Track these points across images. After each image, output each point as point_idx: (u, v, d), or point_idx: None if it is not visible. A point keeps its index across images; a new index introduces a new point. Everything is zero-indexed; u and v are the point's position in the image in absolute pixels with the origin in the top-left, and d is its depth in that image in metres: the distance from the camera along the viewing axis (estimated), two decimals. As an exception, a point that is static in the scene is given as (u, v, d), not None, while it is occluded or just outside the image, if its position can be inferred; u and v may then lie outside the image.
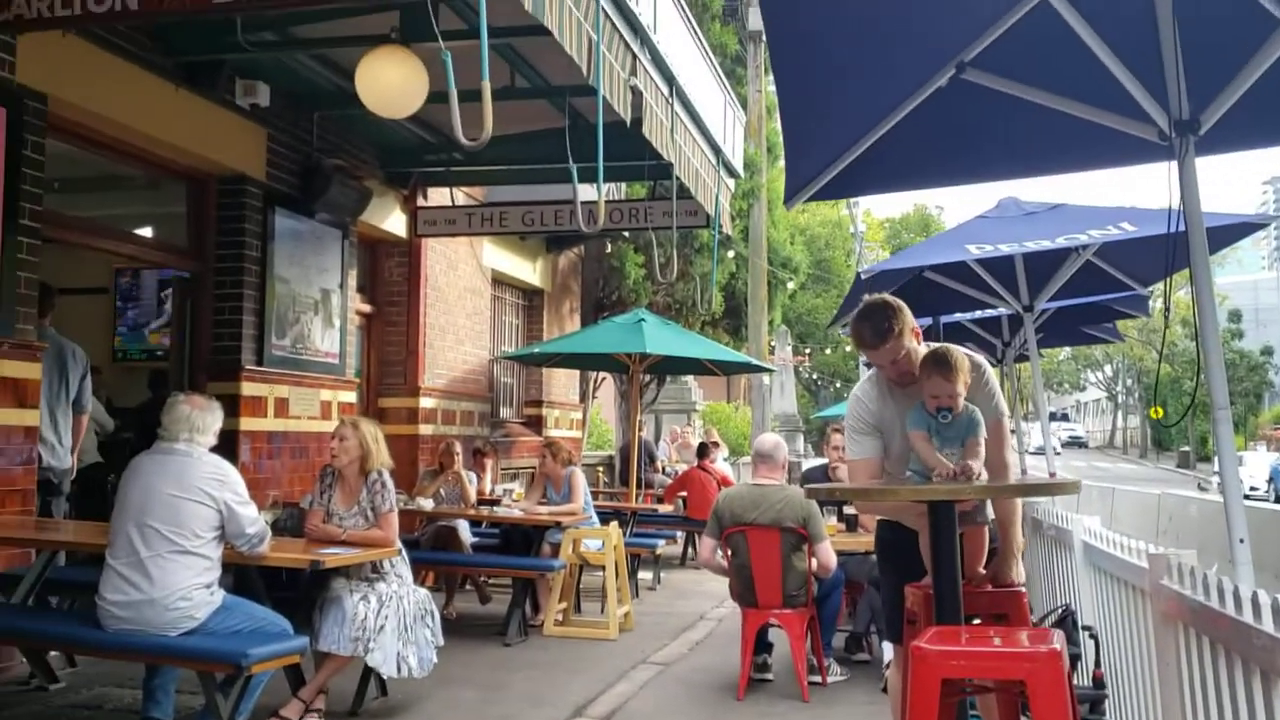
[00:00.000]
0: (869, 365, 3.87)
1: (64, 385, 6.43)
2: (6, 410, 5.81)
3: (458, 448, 8.72)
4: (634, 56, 6.08)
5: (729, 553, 6.08)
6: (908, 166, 4.33)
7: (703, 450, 12.42)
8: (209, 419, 4.67)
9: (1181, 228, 3.21)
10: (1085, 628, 4.65)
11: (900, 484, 3.56)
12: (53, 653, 5.69)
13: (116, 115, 6.77)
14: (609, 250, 14.92)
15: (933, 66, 3.66)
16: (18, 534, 5.47)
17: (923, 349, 3.65)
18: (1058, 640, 2.92)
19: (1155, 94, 3.25)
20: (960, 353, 3.62)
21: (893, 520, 3.98)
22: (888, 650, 5.47)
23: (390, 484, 5.42)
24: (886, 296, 3.70)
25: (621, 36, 5.84)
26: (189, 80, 7.22)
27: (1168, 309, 3.84)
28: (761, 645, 6.38)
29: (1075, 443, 61.74)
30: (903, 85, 3.74)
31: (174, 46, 7.00)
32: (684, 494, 11.94)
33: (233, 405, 7.64)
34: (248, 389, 7.97)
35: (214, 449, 4.72)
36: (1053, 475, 6.71)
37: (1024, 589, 3.77)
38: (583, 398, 15.87)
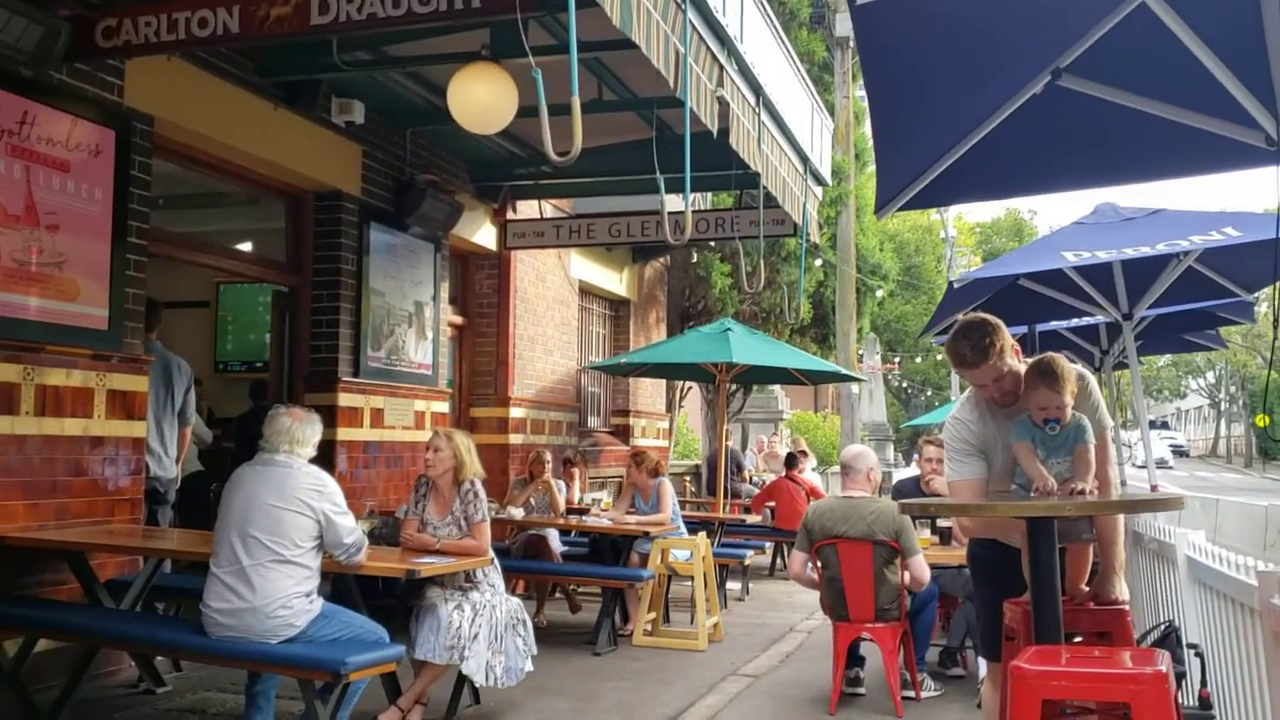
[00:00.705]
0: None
1: (169, 398, 6.64)
2: (116, 422, 6.02)
3: (548, 457, 8.79)
4: (721, 68, 6.08)
5: (819, 565, 6.02)
6: (1001, 175, 4.25)
7: (791, 460, 12.33)
8: (309, 431, 4.78)
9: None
10: (1190, 645, 4.51)
11: (1002, 500, 3.49)
12: (159, 657, 5.87)
13: (218, 135, 6.98)
14: (695, 259, 14.93)
15: (1028, 73, 3.59)
16: (127, 542, 5.66)
17: (1022, 366, 3.59)
18: (1163, 662, 2.84)
19: (1262, 99, 3.15)
20: (1066, 362, 3.56)
21: (978, 536, 3.91)
22: (983, 666, 5.37)
23: (483, 494, 5.49)
24: (983, 314, 3.65)
25: (709, 48, 5.84)
26: (287, 100, 7.42)
27: (1277, 317, 3.71)
28: (853, 659, 6.30)
29: (1177, 452, 59.12)
30: (996, 93, 3.68)
31: (273, 67, 7.20)
32: (772, 504, 11.85)
33: (330, 416, 7.79)
34: (344, 400, 8.15)
35: (313, 459, 4.83)
36: (1154, 488, 6.52)
37: (1127, 607, 3.67)
38: (669, 407, 15.88)
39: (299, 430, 4.74)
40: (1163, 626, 4.72)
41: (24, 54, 5.34)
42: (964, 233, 54.63)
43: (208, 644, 4.58)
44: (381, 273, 8.55)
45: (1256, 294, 7.17)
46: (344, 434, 8.13)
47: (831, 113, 14.61)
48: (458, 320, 10.62)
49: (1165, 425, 67.19)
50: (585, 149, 4.53)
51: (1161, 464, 40.67)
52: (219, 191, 8.45)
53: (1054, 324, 8.57)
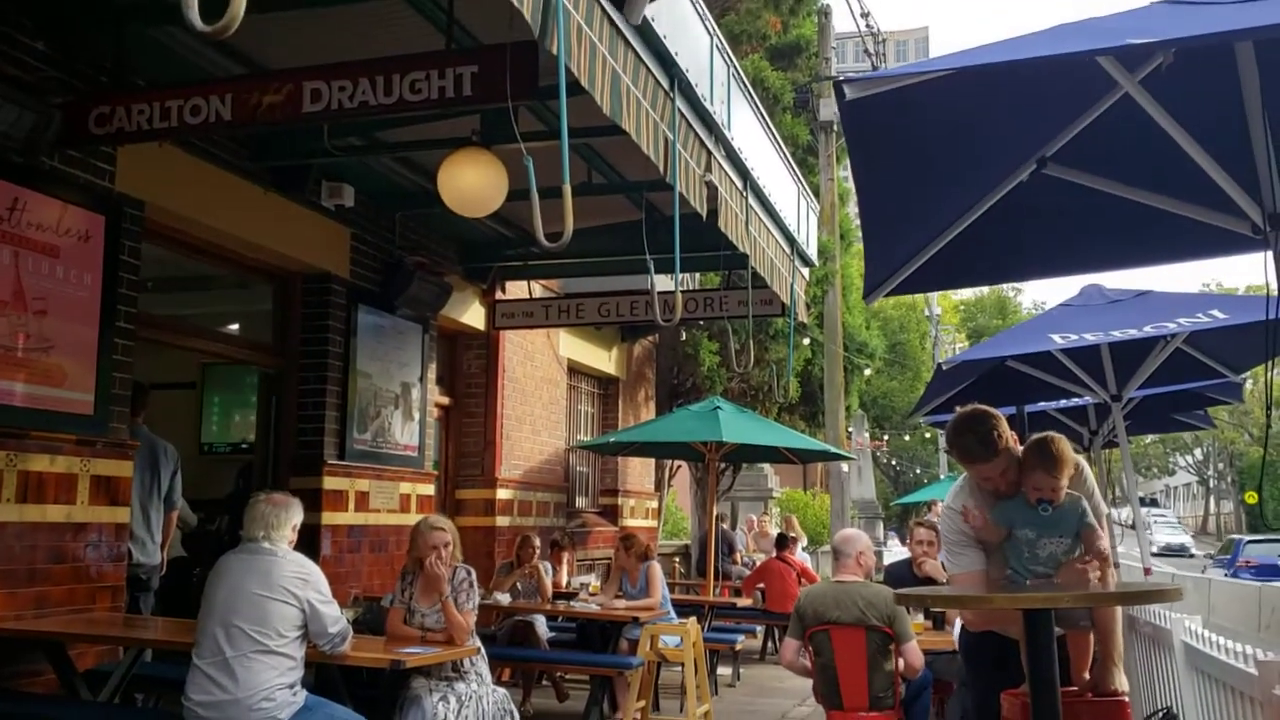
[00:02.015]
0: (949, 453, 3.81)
1: (155, 482, 6.57)
2: (99, 508, 5.94)
3: (536, 541, 8.70)
4: (709, 153, 6.16)
5: (812, 652, 5.93)
6: (987, 261, 4.29)
7: (782, 542, 12.24)
8: (283, 515, 4.73)
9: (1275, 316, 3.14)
10: (1191, 735, 4.44)
11: (1000, 591, 3.47)
12: (137, 751, 5.72)
13: (208, 219, 7.01)
14: (683, 338, 14.97)
15: (1014, 162, 3.64)
16: (107, 631, 5.55)
17: (1019, 449, 3.60)
18: (1167, 758, 2.78)
19: (1247, 187, 3.19)
20: (1066, 445, 3.57)
21: (981, 629, 3.87)
22: (980, 755, 5.27)
23: (476, 584, 5.42)
24: (980, 406, 3.66)
25: (697, 135, 5.92)
26: (278, 184, 7.46)
27: (1269, 403, 3.72)
28: (848, 748, 6.17)
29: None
30: (983, 181, 3.73)
31: (264, 153, 7.26)
32: (762, 586, 11.74)
33: (315, 499, 7.74)
34: (330, 483, 8.07)
35: (296, 545, 4.78)
36: (1148, 571, 6.48)
37: (1127, 699, 3.62)
38: (658, 486, 15.80)
39: (273, 515, 4.70)
40: (1161, 714, 4.66)
41: (15, 141, 5.37)
42: (948, 311, 55.09)
43: (187, 739, 4.47)
44: (369, 354, 8.53)
45: (1244, 374, 7.22)
46: (328, 518, 8.04)
47: (816, 194, 14.78)
48: (445, 401, 10.58)
49: (1155, 503, 67.03)
50: (574, 230, 4.56)
51: (1181, 551, 38.94)
52: (207, 274, 8.46)
53: (1042, 405, 8.61)
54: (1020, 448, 3.66)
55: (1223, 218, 3.33)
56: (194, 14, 2.82)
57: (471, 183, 6.27)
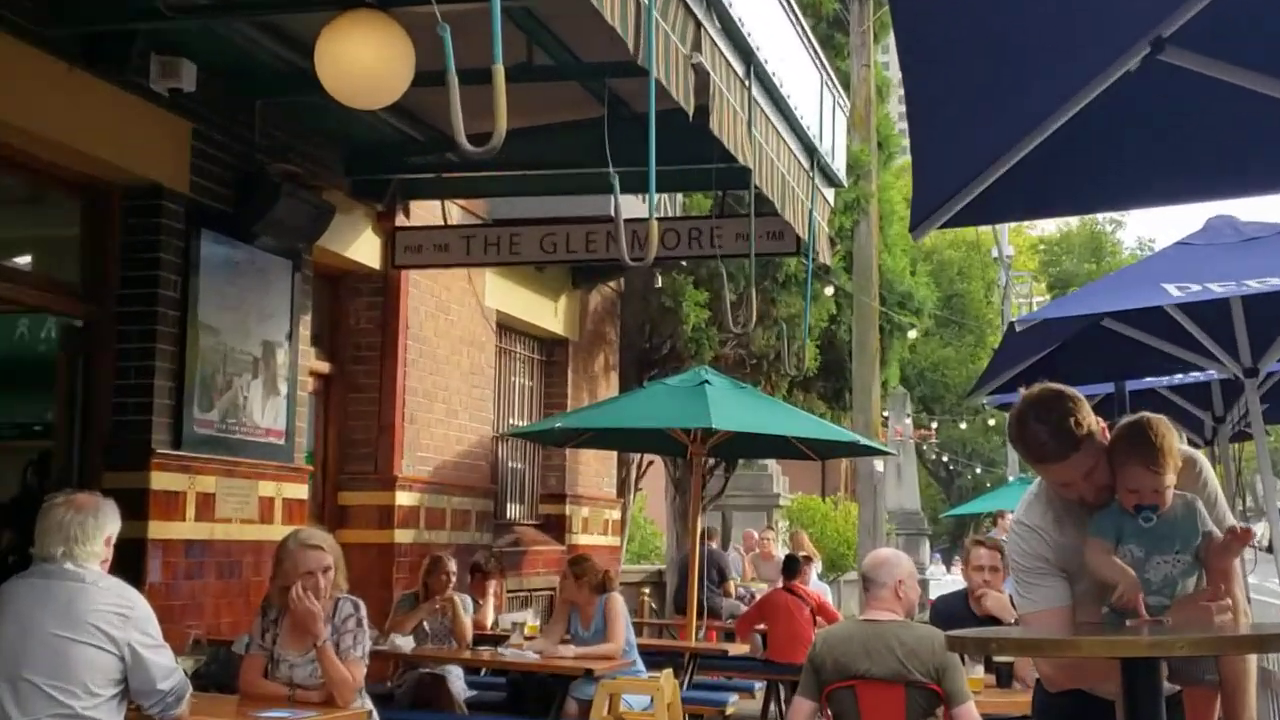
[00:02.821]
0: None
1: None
2: None
3: (451, 565, 8.74)
4: (698, 24, 6.15)
5: (831, 716, 6.01)
6: (1078, 183, 4.33)
7: (791, 566, 12.33)
8: (91, 525, 4.71)
9: None
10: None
11: (1089, 634, 3.51)
12: None
13: (-14, 106, 6.95)
14: (659, 285, 14.98)
15: (1118, 45, 3.64)
16: None
17: None
18: None
19: None
20: (1164, 425, 3.58)
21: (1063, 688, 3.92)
22: None
23: (366, 621, 5.45)
24: (1052, 385, 3.66)
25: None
26: (88, 57, 7.38)
27: None
28: None
29: None
30: (1075, 71, 3.73)
31: (70, 14, 7.17)
32: (764, 627, 11.84)
33: (138, 503, 7.70)
34: (160, 480, 8.04)
35: (112, 567, 4.76)
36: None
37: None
38: (621, 490, 15.87)
39: (78, 525, 4.67)
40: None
41: None
42: (1023, 251, 55.40)
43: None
44: (216, 301, 8.49)
45: None
46: (157, 529, 8.00)
47: (846, 87, 14.79)
48: (323, 368, 10.57)
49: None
50: (509, 131, 4.55)
51: None
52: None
53: (1150, 381, 8.69)
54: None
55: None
56: None
57: (363, 60, 6.25)
